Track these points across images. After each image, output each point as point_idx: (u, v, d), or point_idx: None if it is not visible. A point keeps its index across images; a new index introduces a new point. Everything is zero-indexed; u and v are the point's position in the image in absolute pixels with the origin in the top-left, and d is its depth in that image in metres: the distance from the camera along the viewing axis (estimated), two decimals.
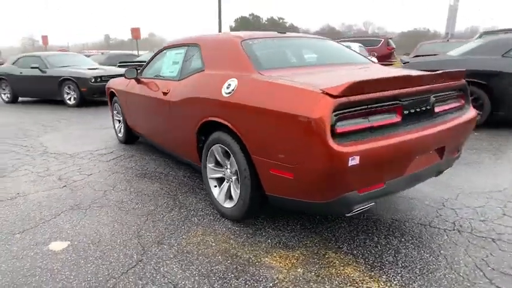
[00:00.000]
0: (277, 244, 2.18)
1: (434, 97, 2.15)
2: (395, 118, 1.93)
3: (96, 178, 3.36)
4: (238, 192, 2.31)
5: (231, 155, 2.31)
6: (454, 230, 2.31)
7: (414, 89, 1.99)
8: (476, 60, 4.85)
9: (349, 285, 1.78)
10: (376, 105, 1.83)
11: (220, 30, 22.89)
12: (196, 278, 1.84)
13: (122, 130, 4.58)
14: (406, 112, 1.97)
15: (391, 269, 1.91)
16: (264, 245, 2.17)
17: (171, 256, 2.04)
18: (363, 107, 1.78)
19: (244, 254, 2.07)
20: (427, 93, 2.09)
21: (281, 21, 66.98)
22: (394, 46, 15.90)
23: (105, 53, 17.44)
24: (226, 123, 2.27)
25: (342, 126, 1.72)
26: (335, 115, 1.69)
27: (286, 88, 1.94)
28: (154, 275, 1.87)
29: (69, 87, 8.17)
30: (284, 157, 1.90)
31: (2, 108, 8.25)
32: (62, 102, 8.36)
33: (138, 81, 3.73)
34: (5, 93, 9.21)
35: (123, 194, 2.98)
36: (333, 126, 1.68)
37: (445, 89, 2.26)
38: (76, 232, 2.33)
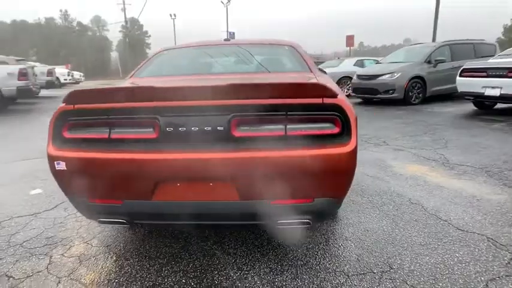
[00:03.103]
0: (125, 242, 2.56)
1: (235, 116, 1.75)
2: (148, 134, 1.79)
3: None
4: None
5: None
6: None
7: (186, 103, 1.75)
8: None
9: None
10: (115, 117, 1.81)
11: (435, 33, 20.68)
12: (32, 234, 2.67)
13: None
14: (168, 129, 1.76)
15: None
16: (112, 232, 2.72)
17: (52, 219, 2.94)
18: (100, 116, 1.82)
19: (86, 235, 2.68)
20: (215, 109, 1.75)
21: None
22: None
23: (341, 58, 17.08)
24: None
25: (70, 133, 1.87)
26: (61, 121, 1.85)
27: None
28: (27, 222, 2.87)
29: None
30: None
31: None
32: None
33: None
34: None
35: None
36: (60, 132, 1.86)
37: (280, 107, 1.75)
38: (53, 187, 3.61)
